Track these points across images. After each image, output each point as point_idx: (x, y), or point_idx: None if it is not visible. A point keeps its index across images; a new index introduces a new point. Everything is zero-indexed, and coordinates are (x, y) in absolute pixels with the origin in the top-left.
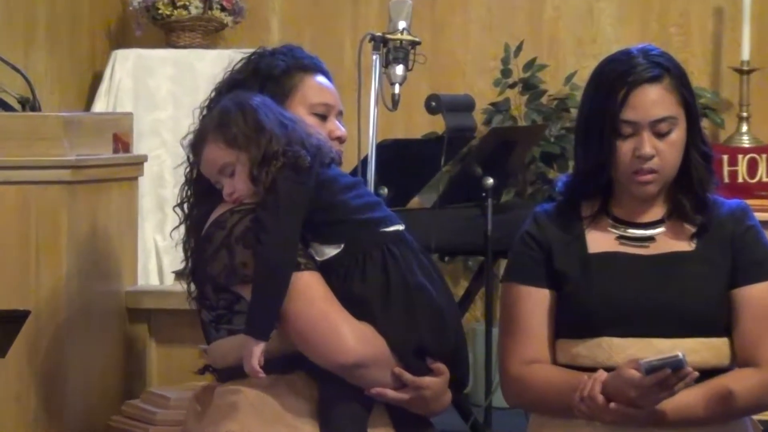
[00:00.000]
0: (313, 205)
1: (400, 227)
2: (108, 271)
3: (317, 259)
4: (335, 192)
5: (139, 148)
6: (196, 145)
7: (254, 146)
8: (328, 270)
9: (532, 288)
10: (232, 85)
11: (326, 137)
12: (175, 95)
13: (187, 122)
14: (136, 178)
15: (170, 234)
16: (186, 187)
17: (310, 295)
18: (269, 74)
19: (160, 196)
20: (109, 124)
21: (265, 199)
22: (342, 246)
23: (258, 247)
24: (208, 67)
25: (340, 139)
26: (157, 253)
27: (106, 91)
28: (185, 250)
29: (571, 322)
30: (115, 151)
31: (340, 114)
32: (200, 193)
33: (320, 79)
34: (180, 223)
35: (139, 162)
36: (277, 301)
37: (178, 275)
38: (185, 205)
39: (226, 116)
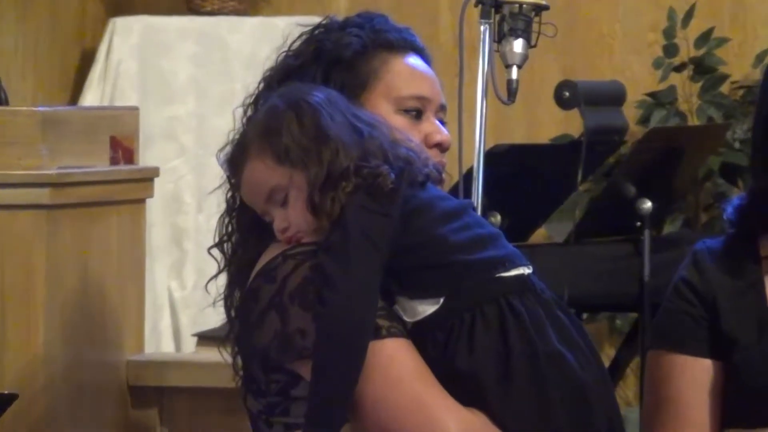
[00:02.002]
0: (400, 244)
1: (526, 270)
2: (103, 334)
3: (406, 320)
4: (431, 223)
5: (147, 157)
6: (235, 162)
7: (314, 162)
8: (422, 335)
9: (689, 358)
10: (286, 74)
11: (420, 145)
12: (199, 82)
13: (217, 121)
14: (143, 201)
15: (206, 287)
16: (226, 219)
17: (396, 372)
18: (338, 56)
19: (177, 226)
20: (104, 123)
21: (330, 238)
22: (441, 300)
23: (319, 308)
24: (245, 42)
25: (441, 146)
26: (172, 308)
27: (100, 77)
28: (227, 310)
29: (744, 405)
30: (114, 161)
31: (441, 110)
32: (247, 227)
33: (413, 60)
34: (219, 271)
35: (148, 177)
36: (348, 383)
37: (203, 339)
38: (226, 245)
39: (275, 120)
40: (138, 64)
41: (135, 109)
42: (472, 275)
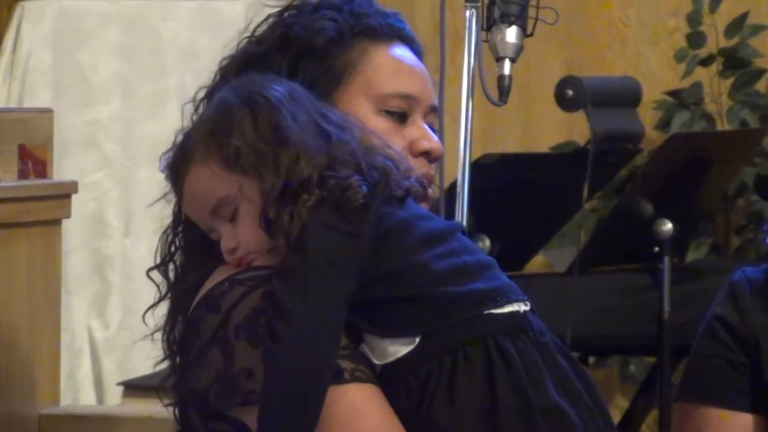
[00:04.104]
0: (370, 272)
1: (523, 307)
2: (10, 383)
3: (375, 362)
4: (409, 247)
5: (63, 169)
6: (177, 168)
7: (270, 169)
8: (392, 381)
9: (726, 412)
10: (246, 63)
11: (401, 153)
12: (126, 79)
13: (147, 126)
14: (59, 222)
15: (143, 317)
16: (170, 235)
17: (358, 424)
18: (308, 44)
19: (99, 253)
20: (11, 128)
21: (286, 262)
22: (417, 340)
23: (270, 345)
24: (181, 30)
25: (430, 156)
26: (93, 351)
27: (6, 72)
28: (169, 345)
29: None
30: (23, 175)
31: (431, 112)
32: (195, 246)
33: (399, 52)
34: (160, 298)
35: (65, 194)
36: None
37: (130, 389)
38: (170, 267)
39: (225, 118)
40: (52, 57)
41: (48, 111)
42: (455, 311)
